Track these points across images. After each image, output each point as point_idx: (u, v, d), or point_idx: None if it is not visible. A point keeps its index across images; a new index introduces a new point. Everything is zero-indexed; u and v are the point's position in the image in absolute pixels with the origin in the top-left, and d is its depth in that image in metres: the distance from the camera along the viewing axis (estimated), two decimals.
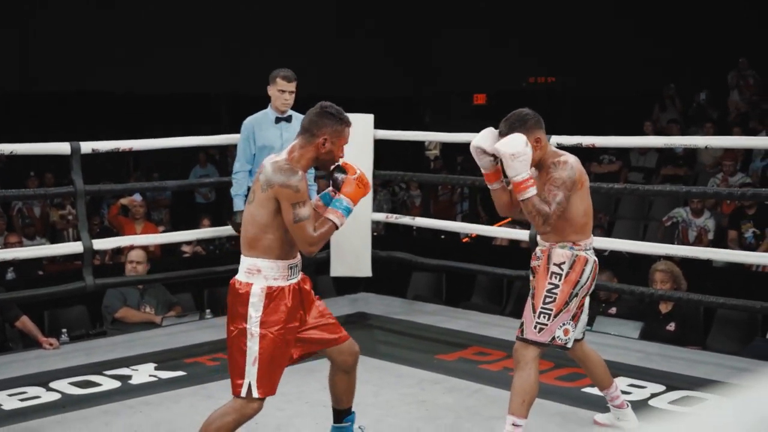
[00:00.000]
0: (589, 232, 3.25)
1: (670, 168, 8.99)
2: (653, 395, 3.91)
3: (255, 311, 2.83)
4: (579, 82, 13.31)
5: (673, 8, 12.11)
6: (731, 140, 6.50)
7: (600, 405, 3.58)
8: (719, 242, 7.21)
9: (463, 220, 10.12)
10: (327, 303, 3.28)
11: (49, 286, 5.13)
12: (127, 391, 4.04)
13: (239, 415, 2.86)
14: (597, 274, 3.27)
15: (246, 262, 2.89)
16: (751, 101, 10.13)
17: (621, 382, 4.03)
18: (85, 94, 12.14)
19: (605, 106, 12.23)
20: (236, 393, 2.86)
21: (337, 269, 5.62)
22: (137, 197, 7.38)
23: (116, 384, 4.13)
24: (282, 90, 4.70)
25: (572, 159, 3.17)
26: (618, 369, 4.16)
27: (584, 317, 3.33)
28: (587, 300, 3.30)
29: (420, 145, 13.79)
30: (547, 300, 3.15)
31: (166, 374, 4.29)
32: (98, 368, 4.36)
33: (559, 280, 3.15)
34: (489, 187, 3.33)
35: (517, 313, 3.29)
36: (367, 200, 5.32)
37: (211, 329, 5.18)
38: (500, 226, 7.77)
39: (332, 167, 2.99)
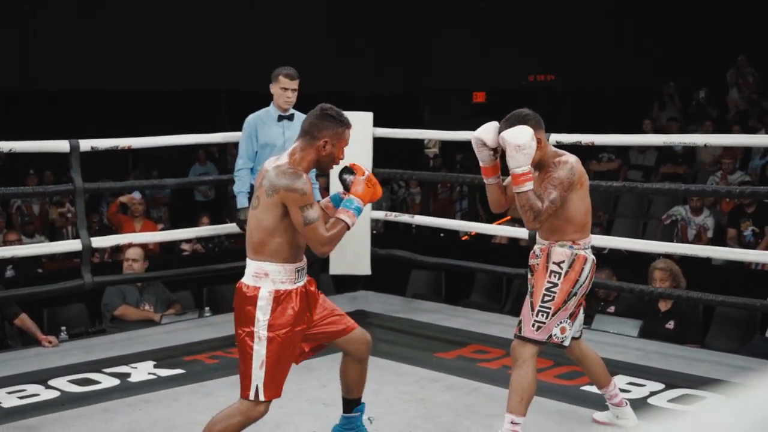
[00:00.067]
0: (589, 231, 3.25)
1: (670, 166, 8.99)
2: (652, 393, 3.91)
3: (263, 314, 2.84)
4: (578, 80, 13.31)
5: (673, 6, 12.10)
6: (730, 138, 6.50)
7: (599, 403, 3.58)
8: (718, 240, 7.21)
9: (462, 218, 10.12)
10: None
11: (48, 283, 5.13)
12: (126, 388, 4.04)
13: (245, 417, 2.88)
14: (595, 273, 3.27)
15: (253, 265, 2.90)
16: (751, 99, 10.13)
17: (620, 381, 4.03)
18: (85, 92, 12.13)
19: (604, 104, 12.23)
20: (244, 396, 2.88)
21: (336, 267, 5.62)
22: (136, 195, 7.38)
23: (115, 382, 4.13)
24: (284, 88, 4.70)
25: (573, 159, 3.17)
26: (617, 367, 4.16)
27: (581, 316, 3.33)
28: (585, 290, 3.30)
29: (419, 143, 13.79)
30: (546, 298, 3.15)
31: (165, 372, 4.29)
32: (97, 366, 4.36)
33: (559, 278, 3.15)
34: (485, 181, 3.33)
35: (516, 311, 3.29)
36: None
37: (210, 327, 5.18)
38: (499, 224, 7.78)
39: (342, 169, 3.01)
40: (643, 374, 4.16)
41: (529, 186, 3.07)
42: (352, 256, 5.55)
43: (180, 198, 11.10)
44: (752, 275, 6.45)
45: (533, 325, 3.15)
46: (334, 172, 3.23)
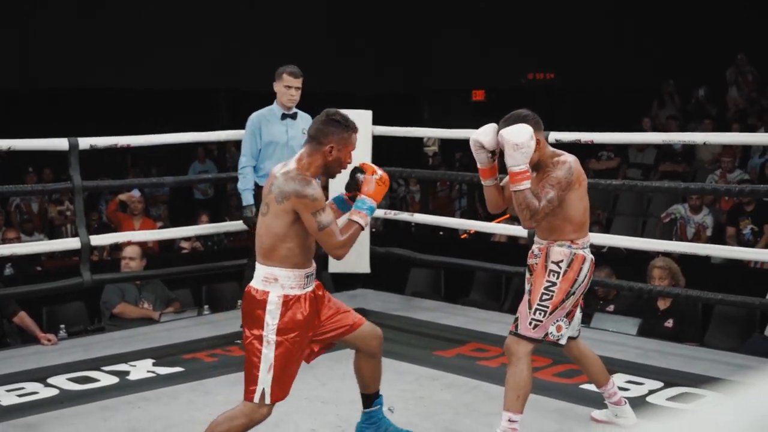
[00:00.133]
0: (587, 230, 3.25)
1: (669, 164, 8.99)
2: (651, 392, 3.92)
3: (272, 318, 2.86)
4: (577, 79, 13.30)
5: (672, 5, 12.10)
6: (730, 137, 6.49)
7: (598, 402, 3.58)
8: (717, 239, 7.22)
9: (461, 217, 10.11)
10: None
11: (47, 281, 5.13)
12: (125, 386, 4.04)
13: (248, 420, 2.89)
14: (595, 271, 3.28)
15: (263, 270, 2.91)
16: (750, 98, 10.12)
17: (619, 379, 4.03)
18: (85, 91, 12.12)
19: (604, 102, 12.22)
20: (248, 398, 2.89)
21: (335, 265, 5.62)
22: (135, 193, 7.38)
23: (114, 380, 4.13)
24: (288, 86, 4.71)
25: (571, 159, 3.18)
26: (616, 365, 4.17)
27: (579, 315, 3.33)
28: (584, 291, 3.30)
29: (418, 141, 13.78)
30: (544, 297, 3.15)
31: (164, 370, 4.29)
32: (96, 364, 4.36)
33: (557, 278, 3.15)
34: (482, 182, 3.34)
35: (516, 310, 3.29)
36: None
37: (209, 325, 5.19)
38: (499, 222, 7.77)
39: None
40: (641, 372, 4.16)
41: (526, 185, 3.07)
42: (351, 254, 5.52)
43: (179, 196, 11.10)
44: (751, 273, 6.45)
45: (530, 323, 3.15)
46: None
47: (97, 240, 5.04)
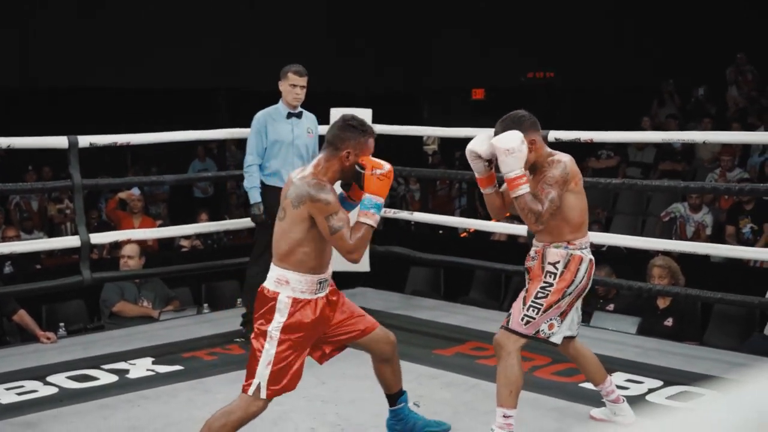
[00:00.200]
0: (585, 230, 3.24)
1: (668, 163, 8.99)
2: (650, 390, 3.92)
3: (281, 316, 2.89)
4: (577, 78, 13.30)
5: (672, 4, 12.09)
6: (729, 135, 6.48)
7: (596, 400, 3.58)
8: (717, 237, 7.22)
9: (461, 215, 10.11)
10: None
11: (46, 280, 5.12)
12: (125, 385, 4.04)
13: (244, 413, 2.90)
14: (595, 270, 3.27)
15: (276, 271, 2.94)
16: (750, 96, 10.13)
17: (618, 378, 4.03)
18: (85, 91, 12.12)
19: (604, 101, 12.22)
20: (245, 390, 2.91)
21: (335, 264, 5.61)
22: (135, 191, 7.38)
23: (114, 378, 4.13)
24: (293, 84, 4.71)
25: (566, 158, 3.18)
26: (615, 364, 4.17)
27: (575, 315, 3.32)
28: (581, 299, 3.28)
29: (418, 140, 13.78)
30: (539, 295, 3.16)
31: (163, 368, 4.29)
32: (96, 362, 4.36)
33: (554, 278, 3.16)
34: (482, 191, 3.34)
35: None
36: None
37: (208, 324, 5.19)
38: (498, 221, 7.77)
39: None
40: (641, 371, 4.16)
41: (524, 189, 3.08)
42: None
43: (179, 194, 11.10)
44: (751, 272, 6.45)
45: (522, 319, 3.16)
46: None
47: (96, 238, 5.04)
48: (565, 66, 13.58)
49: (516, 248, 6.33)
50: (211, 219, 7.99)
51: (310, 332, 2.94)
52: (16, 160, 9.97)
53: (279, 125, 4.73)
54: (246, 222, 6.47)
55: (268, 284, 2.95)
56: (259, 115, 4.77)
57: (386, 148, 6.27)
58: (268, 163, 4.72)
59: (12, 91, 11.78)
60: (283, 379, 2.90)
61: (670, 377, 4.08)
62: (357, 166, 2.94)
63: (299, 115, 4.79)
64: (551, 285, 3.15)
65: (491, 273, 6.57)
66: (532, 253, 3.28)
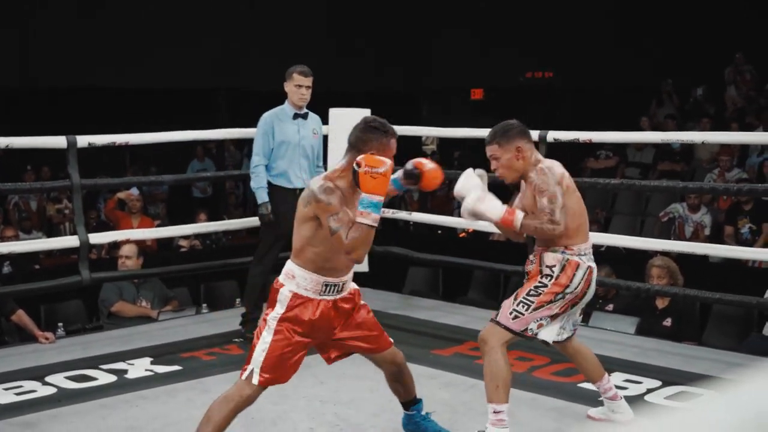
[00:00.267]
0: (585, 235, 3.21)
1: (667, 163, 9.00)
2: (649, 391, 3.92)
3: (280, 307, 2.95)
4: (576, 78, 13.30)
5: (671, 4, 12.10)
6: (728, 136, 6.50)
7: (595, 400, 3.58)
8: (716, 238, 7.22)
9: (459, 215, 10.12)
10: None
11: (45, 280, 5.12)
12: (124, 385, 4.04)
13: (239, 398, 2.94)
14: (593, 278, 3.24)
15: (288, 265, 3.01)
16: (748, 96, 10.13)
17: (617, 378, 4.03)
18: (85, 91, 12.13)
19: (602, 101, 12.22)
20: (241, 374, 2.98)
21: None
22: (134, 191, 7.38)
23: (112, 378, 4.13)
24: (299, 85, 4.72)
25: (550, 162, 3.20)
26: (614, 364, 4.17)
27: (572, 319, 3.32)
28: (581, 304, 3.26)
29: (417, 140, 13.78)
30: (532, 293, 3.17)
31: (162, 369, 4.29)
32: (94, 362, 4.36)
33: (549, 281, 3.16)
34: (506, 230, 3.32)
35: None
36: None
37: (207, 324, 5.19)
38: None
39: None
40: (640, 371, 4.16)
41: (519, 217, 3.09)
42: None
43: (178, 194, 11.10)
44: (749, 272, 6.46)
45: (511, 313, 3.16)
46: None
47: (95, 238, 5.03)
48: (565, 66, 13.58)
49: (515, 248, 6.31)
50: (210, 219, 7.99)
51: (307, 330, 2.95)
52: (15, 160, 9.96)
53: (286, 126, 4.74)
54: (244, 222, 6.48)
55: (280, 277, 3.03)
56: (266, 116, 4.78)
57: None
58: (275, 163, 4.73)
59: (12, 91, 11.77)
60: (276, 370, 2.93)
61: (669, 377, 4.08)
62: (354, 165, 2.92)
63: (305, 116, 4.81)
64: (545, 286, 3.16)
65: (490, 273, 6.57)
66: (531, 257, 3.29)
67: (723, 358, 4.46)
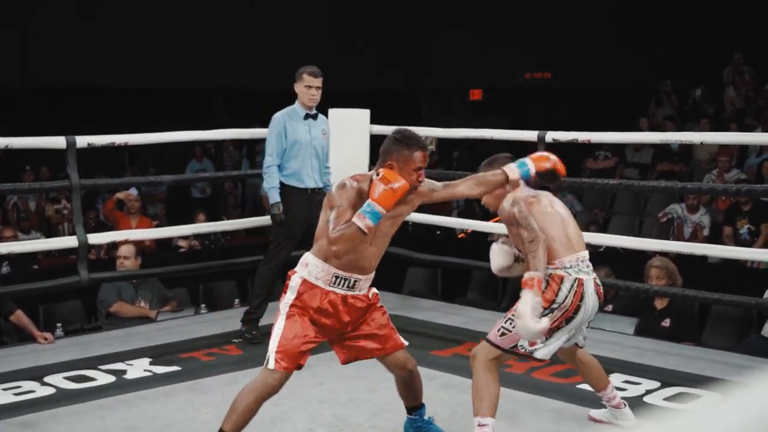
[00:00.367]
0: (568, 250, 3.18)
1: (666, 164, 9.00)
2: (648, 391, 3.92)
3: (291, 293, 3.05)
4: (576, 78, 13.31)
5: (669, 4, 12.10)
6: (727, 136, 6.50)
7: (595, 401, 3.58)
8: (714, 238, 7.23)
9: (458, 216, 10.11)
10: None
11: (43, 280, 5.11)
12: (122, 385, 4.03)
13: (263, 387, 3.00)
14: (587, 290, 3.22)
15: (304, 255, 3.11)
16: (747, 97, 10.13)
17: (616, 379, 4.04)
18: (85, 91, 12.12)
19: (601, 102, 12.22)
20: (264, 364, 3.04)
21: None
22: (133, 191, 7.37)
23: (111, 378, 4.13)
24: (309, 86, 4.73)
25: (513, 195, 3.21)
26: (613, 365, 4.17)
27: (581, 332, 3.31)
28: (584, 317, 3.23)
29: None
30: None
31: (161, 369, 4.28)
32: (93, 363, 4.35)
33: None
34: None
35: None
36: None
37: (206, 324, 5.18)
38: (496, 221, 7.77)
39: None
40: (638, 372, 4.16)
41: (534, 275, 3.04)
42: None
43: (176, 195, 11.09)
44: (748, 273, 6.47)
45: (498, 330, 3.16)
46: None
47: (94, 238, 5.03)
48: (565, 66, 13.58)
49: None
50: (209, 219, 7.99)
51: (315, 317, 3.02)
52: (14, 160, 9.95)
53: (297, 126, 4.76)
54: (243, 222, 6.49)
55: (297, 265, 3.12)
56: (278, 116, 4.79)
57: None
58: (288, 163, 4.74)
59: (12, 91, 11.76)
60: (289, 353, 2.98)
61: (668, 378, 4.08)
62: (374, 173, 3.00)
63: (315, 117, 4.84)
64: None
65: (489, 274, 6.52)
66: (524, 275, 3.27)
67: (722, 358, 4.46)
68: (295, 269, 3.09)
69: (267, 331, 4.61)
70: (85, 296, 5.76)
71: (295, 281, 3.05)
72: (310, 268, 3.04)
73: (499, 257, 3.40)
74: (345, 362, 3.22)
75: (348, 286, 3.06)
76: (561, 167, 3.23)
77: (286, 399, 3.65)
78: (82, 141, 4.77)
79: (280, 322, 3.02)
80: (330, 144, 4.97)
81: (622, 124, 8.41)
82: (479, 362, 3.15)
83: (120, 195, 7.29)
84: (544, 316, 3.10)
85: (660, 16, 12.24)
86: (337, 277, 3.03)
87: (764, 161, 7.96)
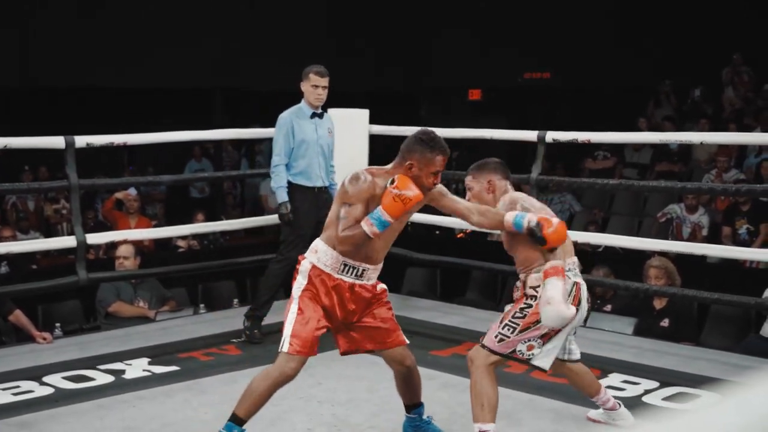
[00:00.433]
0: (564, 254, 3.18)
1: (665, 164, 9.00)
2: (647, 391, 3.92)
3: (302, 279, 3.10)
4: (574, 78, 13.31)
5: (669, 4, 12.11)
6: (726, 137, 6.50)
7: (593, 402, 3.58)
8: (713, 238, 7.22)
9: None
10: None
11: (42, 280, 5.10)
12: (121, 385, 4.03)
13: (279, 373, 3.03)
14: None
15: (315, 240, 3.16)
16: (746, 97, 10.13)
17: (614, 379, 4.05)
18: (85, 91, 12.12)
19: (600, 102, 12.22)
20: (280, 349, 3.06)
21: None
22: (132, 191, 7.36)
23: (110, 378, 4.12)
24: (315, 85, 4.74)
25: (510, 195, 3.27)
26: (612, 365, 4.18)
27: (569, 342, 3.30)
28: (574, 324, 3.21)
29: None
30: (517, 315, 3.14)
31: (159, 369, 4.28)
32: (92, 363, 4.35)
33: (534, 300, 3.12)
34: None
35: None
36: None
37: (205, 324, 5.18)
38: None
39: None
40: (637, 372, 4.16)
41: (555, 264, 3.06)
42: None
43: (175, 194, 11.08)
44: (747, 273, 6.47)
45: (496, 336, 3.15)
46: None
47: (93, 238, 5.02)
48: (565, 66, 13.58)
49: None
50: (208, 219, 7.98)
51: (325, 303, 3.06)
52: (13, 160, 9.95)
53: (305, 125, 4.78)
54: (242, 222, 6.49)
55: (307, 251, 3.17)
56: (285, 115, 4.79)
57: (384, 148, 6.29)
58: (296, 162, 4.75)
59: (12, 90, 11.76)
60: (301, 338, 3.02)
61: (667, 378, 4.08)
62: (389, 180, 3.00)
63: (321, 115, 4.85)
64: (530, 306, 3.13)
65: (488, 273, 6.57)
66: (517, 283, 3.28)
67: (721, 358, 4.46)
68: (305, 255, 3.13)
69: (268, 331, 4.65)
70: (84, 296, 5.76)
71: (305, 266, 3.09)
72: (319, 254, 3.08)
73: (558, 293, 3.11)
74: (344, 352, 3.24)
75: (356, 275, 3.09)
76: (553, 240, 3.07)
77: (285, 399, 3.65)
78: (81, 141, 4.77)
79: (294, 307, 3.07)
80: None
81: (621, 124, 8.41)
82: (477, 367, 3.14)
83: (119, 194, 7.28)
84: (541, 321, 3.10)
85: (659, 16, 12.24)
86: (345, 265, 3.07)
87: (763, 161, 7.95)
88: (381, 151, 5.90)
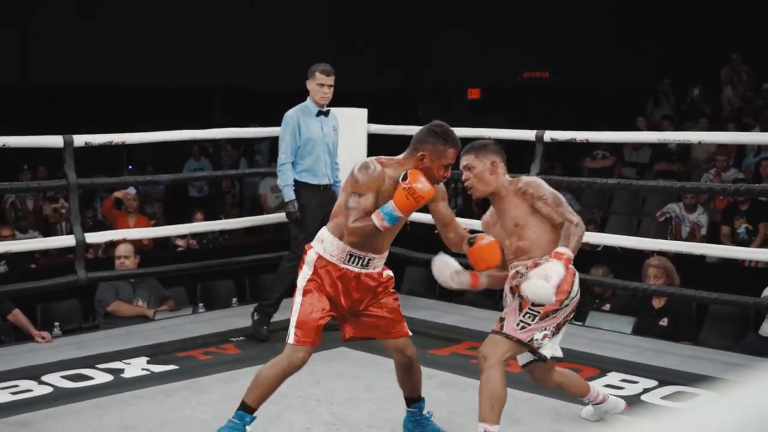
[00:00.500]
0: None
1: (664, 163, 9.00)
2: (645, 390, 3.92)
3: (308, 269, 3.11)
4: (574, 78, 13.31)
5: (668, 4, 12.11)
6: (725, 136, 6.50)
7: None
8: (712, 238, 7.22)
9: (457, 215, 10.10)
10: None
11: (41, 279, 5.10)
12: (120, 384, 4.03)
13: (287, 363, 3.06)
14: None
15: (321, 229, 3.16)
16: (745, 97, 10.13)
17: (613, 378, 4.05)
18: (85, 90, 12.12)
19: (599, 101, 12.22)
20: (288, 340, 3.08)
21: None
22: (131, 190, 7.36)
23: (108, 378, 4.12)
24: (321, 84, 4.75)
25: (537, 180, 3.23)
26: (611, 364, 4.18)
27: (559, 335, 3.29)
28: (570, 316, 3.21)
29: None
30: (537, 303, 3.06)
31: (158, 368, 4.28)
32: (90, 362, 4.35)
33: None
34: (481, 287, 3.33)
35: None
36: None
37: (203, 323, 5.18)
38: None
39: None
40: (636, 371, 4.16)
41: (567, 250, 3.03)
42: None
43: (174, 194, 11.08)
44: (745, 273, 6.47)
45: (518, 324, 3.06)
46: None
47: (91, 237, 5.02)
48: (564, 66, 13.59)
49: None
50: (207, 218, 7.98)
51: (330, 293, 3.07)
52: (12, 159, 9.94)
53: (311, 123, 4.79)
54: (241, 222, 6.49)
55: (312, 241, 3.17)
56: (291, 114, 4.80)
57: (383, 147, 6.29)
58: (302, 160, 4.76)
59: (12, 90, 11.76)
60: (306, 327, 3.04)
61: (666, 377, 4.08)
62: (401, 175, 2.98)
63: (327, 114, 4.86)
64: None
65: None
66: (521, 269, 3.15)
67: (719, 358, 4.46)
68: (311, 244, 3.13)
69: (274, 329, 4.65)
70: (83, 295, 5.76)
71: (310, 256, 3.10)
72: (325, 244, 3.08)
73: (446, 268, 3.31)
74: (348, 339, 3.26)
75: (362, 264, 3.10)
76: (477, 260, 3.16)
77: (283, 398, 3.65)
78: (80, 140, 4.76)
79: (298, 297, 3.08)
80: None
81: (620, 123, 8.41)
82: (491, 365, 3.02)
83: (118, 194, 7.28)
84: (560, 310, 3.09)
85: (659, 16, 12.24)
86: (351, 255, 3.07)
87: (762, 160, 7.95)
88: (380, 150, 5.91)
